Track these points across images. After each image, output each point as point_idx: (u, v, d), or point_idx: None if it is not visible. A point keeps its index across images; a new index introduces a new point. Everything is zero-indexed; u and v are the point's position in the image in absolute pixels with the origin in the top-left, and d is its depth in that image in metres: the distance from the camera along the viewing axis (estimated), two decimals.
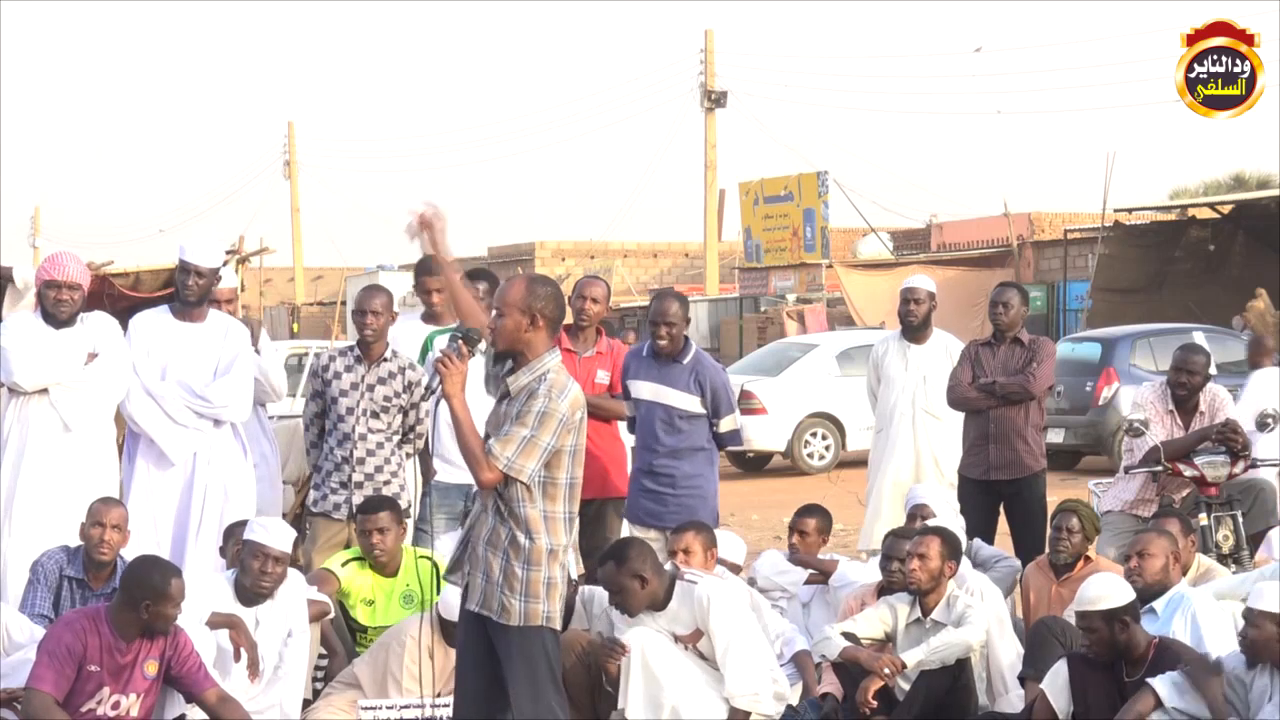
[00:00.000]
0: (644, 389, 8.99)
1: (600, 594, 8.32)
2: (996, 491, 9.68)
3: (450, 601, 7.72)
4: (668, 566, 7.65)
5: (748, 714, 7.41)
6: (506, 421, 6.20)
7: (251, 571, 7.69)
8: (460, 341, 6.21)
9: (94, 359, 8.63)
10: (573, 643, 7.66)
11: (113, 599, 7.17)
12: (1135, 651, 6.97)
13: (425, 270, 9.55)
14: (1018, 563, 9.03)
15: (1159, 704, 6.69)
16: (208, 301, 9.08)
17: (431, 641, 7.78)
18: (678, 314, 9.01)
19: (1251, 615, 6.72)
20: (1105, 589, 7.04)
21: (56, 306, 8.59)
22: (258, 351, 9.22)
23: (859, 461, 18.00)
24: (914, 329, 10.48)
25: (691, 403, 8.95)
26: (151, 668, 7.04)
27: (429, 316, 9.54)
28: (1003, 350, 9.86)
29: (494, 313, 6.26)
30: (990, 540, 9.65)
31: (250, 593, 7.72)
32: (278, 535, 7.73)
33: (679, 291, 9.67)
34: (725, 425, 9.06)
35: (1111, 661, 7.00)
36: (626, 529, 9.16)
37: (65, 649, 6.86)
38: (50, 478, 8.53)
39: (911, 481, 10.17)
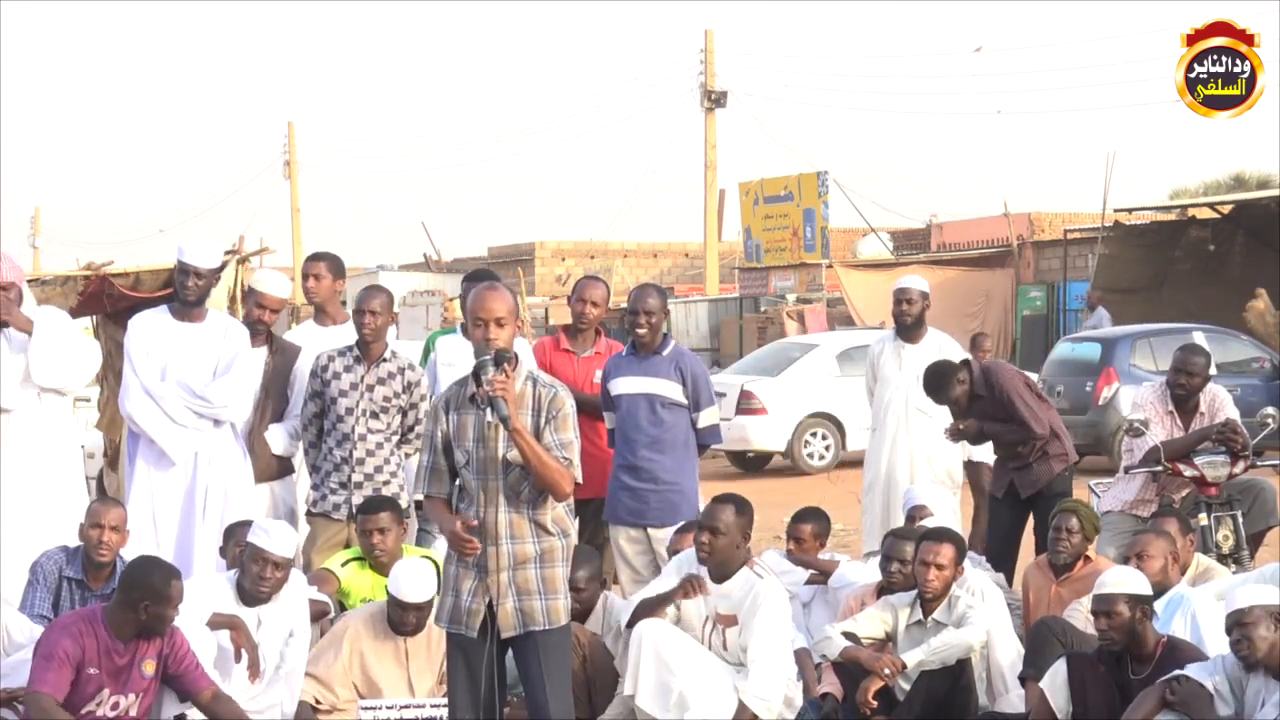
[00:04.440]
0: (627, 384, 9.02)
1: (617, 601, 8.30)
2: (1023, 503, 9.72)
3: (404, 581, 7.79)
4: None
5: (754, 715, 7.45)
6: (546, 430, 6.25)
7: (250, 574, 7.69)
8: (506, 365, 6.24)
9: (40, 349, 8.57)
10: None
11: (111, 599, 7.17)
12: (1145, 648, 6.98)
13: (475, 278, 9.56)
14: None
15: (1167, 704, 6.69)
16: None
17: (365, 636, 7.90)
18: (656, 305, 9.07)
19: (1227, 623, 6.74)
20: (1129, 576, 7.12)
21: None
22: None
23: (859, 462, 17.93)
24: (908, 329, 10.48)
25: (674, 390, 8.99)
26: (149, 667, 7.04)
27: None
28: (975, 407, 9.81)
29: (494, 324, 6.28)
30: (1014, 549, 9.72)
31: (250, 594, 7.72)
32: (280, 540, 7.71)
33: (659, 285, 9.73)
34: (705, 419, 9.09)
35: (1121, 654, 7.00)
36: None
37: (63, 652, 6.86)
38: (27, 479, 8.49)
39: (905, 480, 10.19)
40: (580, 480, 6.38)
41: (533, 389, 6.33)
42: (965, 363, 9.89)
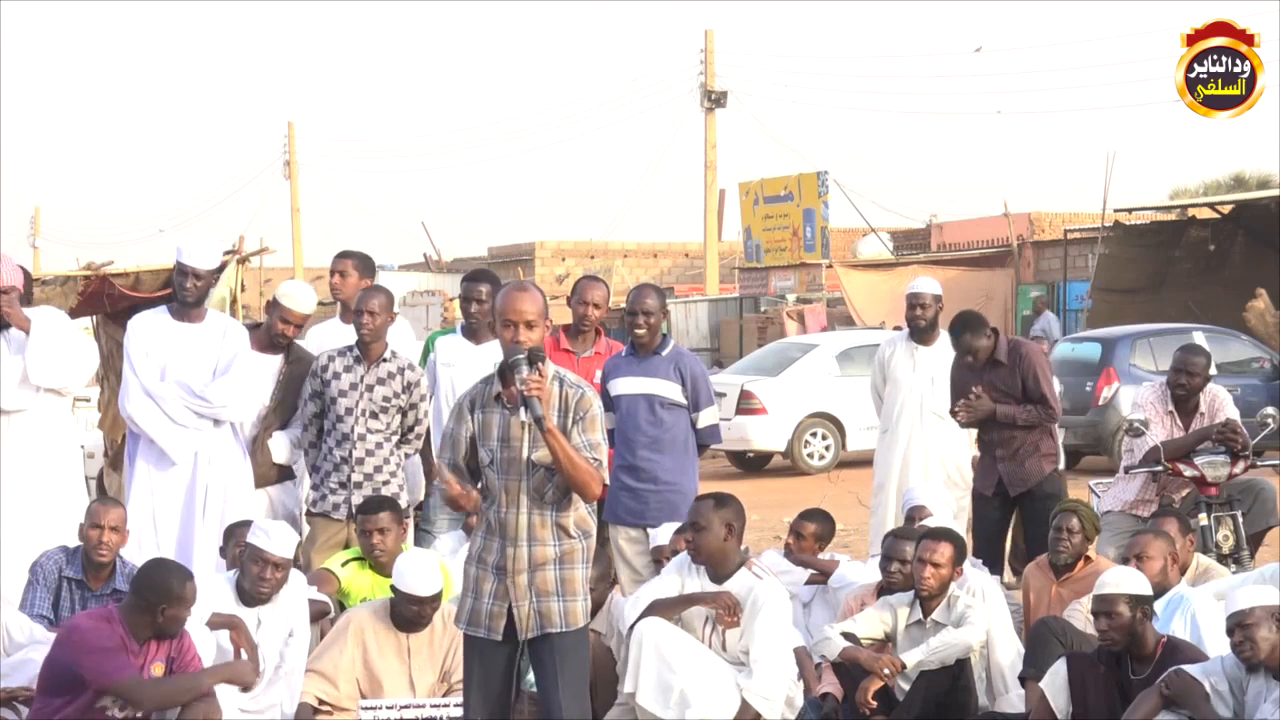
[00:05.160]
0: (626, 384, 9.03)
1: (621, 602, 8.30)
2: (1010, 502, 9.70)
3: (411, 575, 7.78)
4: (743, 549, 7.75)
5: (757, 714, 7.46)
6: (574, 431, 6.16)
7: (250, 575, 7.70)
8: (540, 365, 6.11)
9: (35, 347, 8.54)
10: None
11: (123, 602, 7.15)
12: (1145, 648, 6.98)
13: (475, 278, 9.55)
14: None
15: (1167, 704, 6.69)
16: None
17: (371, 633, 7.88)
18: (654, 305, 9.08)
19: (1229, 624, 6.75)
20: (1130, 576, 7.12)
21: None
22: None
23: (859, 461, 17.99)
24: (922, 331, 10.50)
25: (673, 390, 9.00)
26: (159, 669, 7.04)
27: (469, 330, 9.57)
28: (986, 375, 9.79)
29: (523, 325, 6.13)
30: (1001, 548, 9.67)
31: (250, 595, 7.73)
32: (279, 541, 7.71)
33: (657, 286, 9.72)
34: (704, 419, 9.10)
35: (1121, 655, 7.00)
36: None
37: (108, 641, 6.84)
38: (27, 479, 8.50)
39: (918, 481, 10.17)
40: (608, 481, 6.30)
41: (560, 389, 6.20)
42: (994, 327, 9.94)
